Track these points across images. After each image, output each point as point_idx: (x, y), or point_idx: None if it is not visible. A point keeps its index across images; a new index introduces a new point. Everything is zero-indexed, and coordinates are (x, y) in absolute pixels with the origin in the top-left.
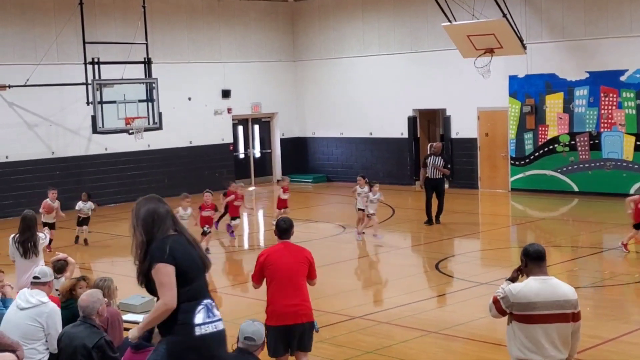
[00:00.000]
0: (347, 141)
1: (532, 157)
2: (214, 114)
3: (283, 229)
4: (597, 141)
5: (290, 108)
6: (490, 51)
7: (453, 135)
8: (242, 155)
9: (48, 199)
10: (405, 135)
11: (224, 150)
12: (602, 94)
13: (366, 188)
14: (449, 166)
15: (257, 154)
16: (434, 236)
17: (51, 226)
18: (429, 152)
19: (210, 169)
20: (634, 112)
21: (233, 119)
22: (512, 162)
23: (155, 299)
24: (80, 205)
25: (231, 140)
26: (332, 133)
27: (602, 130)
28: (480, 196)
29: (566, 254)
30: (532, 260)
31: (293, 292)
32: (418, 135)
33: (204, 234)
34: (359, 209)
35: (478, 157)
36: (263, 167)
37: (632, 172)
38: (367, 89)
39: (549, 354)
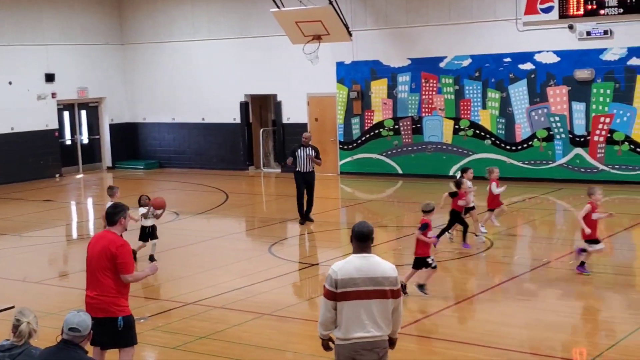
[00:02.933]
0: (180, 127)
1: (359, 141)
2: (37, 99)
3: (109, 215)
4: (419, 125)
5: (120, 93)
6: (317, 38)
7: (284, 120)
8: (68, 142)
9: None
10: (238, 120)
11: (48, 137)
12: (423, 80)
13: None
14: (320, 157)
15: (85, 141)
16: (267, 220)
17: None
18: (300, 143)
19: (34, 157)
20: (453, 97)
21: (58, 104)
22: (341, 146)
23: None
24: None
25: (56, 126)
26: (163, 118)
27: (423, 114)
28: None
29: (391, 234)
30: (355, 239)
31: (92, 284)
32: (250, 121)
33: None
34: None
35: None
36: (92, 154)
37: (452, 155)
38: (199, 74)
39: (368, 329)
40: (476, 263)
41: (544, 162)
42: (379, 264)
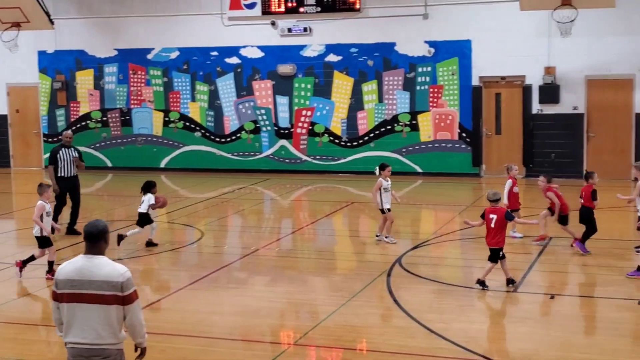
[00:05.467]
0: None
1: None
2: None
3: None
4: (128, 117)
5: None
6: (16, 25)
7: None
8: None
9: None
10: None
11: None
12: (130, 71)
13: None
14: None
15: None
16: None
17: None
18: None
19: None
20: (162, 89)
21: None
22: (45, 139)
23: None
24: None
25: None
26: None
27: (132, 106)
28: (14, 174)
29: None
30: (85, 239)
31: None
32: None
33: None
34: None
35: (9, 134)
36: None
37: (162, 147)
38: None
39: (84, 336)
40: (187, 255)
41: (252, 153)
42: (102, 267)
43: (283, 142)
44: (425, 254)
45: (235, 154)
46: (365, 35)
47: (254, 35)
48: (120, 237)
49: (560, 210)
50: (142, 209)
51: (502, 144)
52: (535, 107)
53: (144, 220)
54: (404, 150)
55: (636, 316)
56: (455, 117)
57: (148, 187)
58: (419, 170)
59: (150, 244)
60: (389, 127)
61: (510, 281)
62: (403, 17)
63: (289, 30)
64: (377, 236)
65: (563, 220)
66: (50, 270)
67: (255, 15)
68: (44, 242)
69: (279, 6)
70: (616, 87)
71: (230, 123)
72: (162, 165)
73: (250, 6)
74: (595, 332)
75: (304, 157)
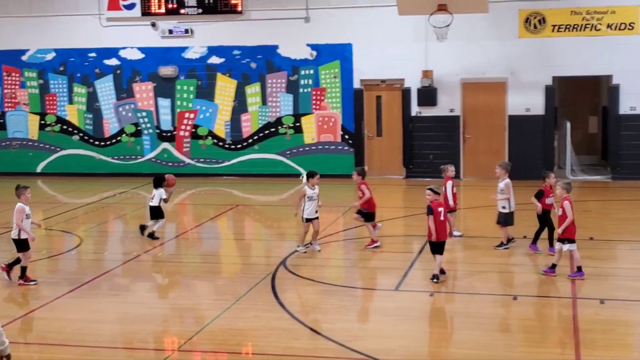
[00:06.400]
0: None
1: None
2: None
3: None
4: (2, 121)
5: None
6: None
7: None
8: None
9: None
10: None
11: None
12: (5, 73)
13: None
14: None
15: None
16: None
17: None
18: None
19: None
20: (37, 91)
21: None
22: None
23: None
24: None
25: None
26: None
27: (6, 109)
28: None
29: None
30: None
31: None
32: None
33: None
34: None
35: None
36: None
37: (38, 151)
38: None
39: None
40: (65, 262)
41: (133, 157)
42: None
43: (165, 145)
44: (310, 255)
45: (116, 157)
46: (248, 38)
47: (134, 37)
48: (143, 227)
49: (366, 206)
50: (154, 202)
51: (383, 146)
52: (414, 109)
53: (156, 213)
54: (288, 152)
55: (510, 311)
56: (338, 119)
57: (159, 182)
58: (303, 172)
59: (151, 235)
60: (273, 129)
61: (436, 276)
62: (285, 20)
63: (170, 31)
64: (298, 247)
65: (369, 217)
66: (23, 276)
67: (135, 17)
68: (21, 245)
69: (159, 7)
70: (490, 90)
71: (110, 126)
72: (39, 170)
73: (130, 7)
74: (471, 327)
75: (187, 160)
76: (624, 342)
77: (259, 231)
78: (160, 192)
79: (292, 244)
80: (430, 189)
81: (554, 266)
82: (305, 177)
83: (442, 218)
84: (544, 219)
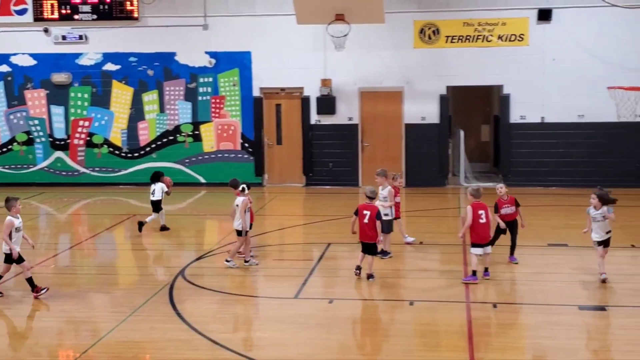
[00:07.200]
0: None
1: None
2: None
3: None
4: None
5: None
6: None
7: None
8: None
9: None
10: None
11: None
12: None
13: None
14: None
15: None
16: None
17: None
18: None
19: None
20: None
21: None
22: None
23: None
24: None
25: None
26: None
27: None
28: None
29: None
30: None
31: None
32: None
33: None
34: None
35: None
36: None
37: None
38: None
39: None
40: None
41: (25, 166)
42: None
43: (59, 153)
44: (209, 264)
45: (7, 166)
46: (144, 45)
47: (25, 43)
48: (141, 224)
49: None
50: (156, 197)
51: (283, 154)
52: (314, 117)
53: (157, 207)
54: (187, 160)
55: (409, 316)
56: (238, 127)
57: (157, 177)
58: (202, 180)
59: (164, 228)
60: (171, 137)
61: (370, 276)
62: (183, 27)
63: (64, 37)
64: (245, 262)
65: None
66: (34, 288)
67: (27, 22)
68: (16, 259)
69: (52, 13)
70: (387, 99)
71: (1, 134)
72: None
73: (21, 12)
74: (371, 333)
75: (82, 169)
76: (517, 345)
77: (157, 241)
78: (162, 186)
79: (190, 254)
80: (367, 195)
81: (474, 273)
82: (245, 187)
83: (366, 221)
84: (510, 228)
